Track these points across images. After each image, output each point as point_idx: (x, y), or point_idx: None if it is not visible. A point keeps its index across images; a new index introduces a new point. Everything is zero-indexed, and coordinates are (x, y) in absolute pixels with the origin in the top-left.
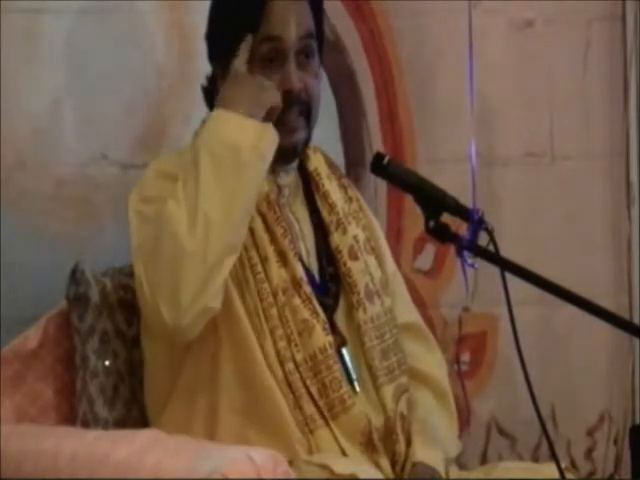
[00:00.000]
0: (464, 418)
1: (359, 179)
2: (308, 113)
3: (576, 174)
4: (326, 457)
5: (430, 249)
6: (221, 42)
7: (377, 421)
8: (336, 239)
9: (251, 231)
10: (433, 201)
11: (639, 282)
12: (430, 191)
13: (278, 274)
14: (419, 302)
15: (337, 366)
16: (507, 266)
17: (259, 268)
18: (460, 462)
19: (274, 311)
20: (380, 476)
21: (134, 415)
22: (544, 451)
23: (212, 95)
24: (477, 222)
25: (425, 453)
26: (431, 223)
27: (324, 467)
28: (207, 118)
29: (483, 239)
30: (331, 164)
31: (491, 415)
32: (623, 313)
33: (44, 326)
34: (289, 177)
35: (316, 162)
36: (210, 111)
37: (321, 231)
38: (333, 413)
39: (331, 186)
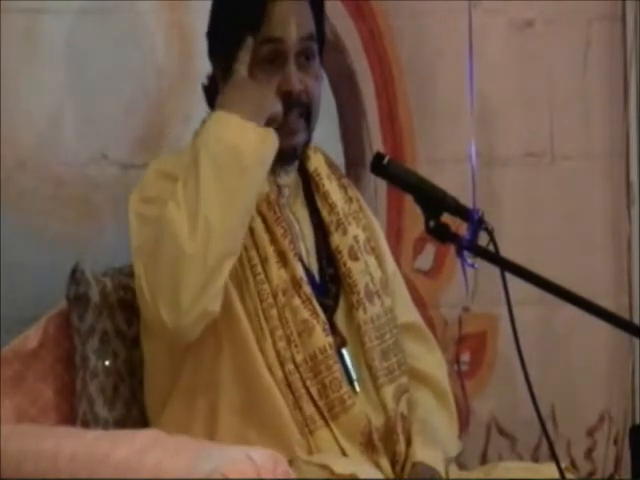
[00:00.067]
0: (464, 418)
1: (359, 179)
2: (308, 115)
3: (576, 174)
4: (326, 457)
5: (430, 249)
6: (221, 41)
7: (377, 421)
8: (336, 239)
9: (251, 231)
10: (433, 201)
11: (639, 282)
12: (430, 191)
13: (278, 274)
14: (419, 302)
15: (337, 366)
16: (507, 266)
17: (259, 269)
18: (460, 462)
19: (274, 312)
20: (380, 476)
21: (134, 415)
22: (544, 451)
23: (213, 94)
24: (477, 222)
25: (425, 453)
26: (431, 223)
27: (324, 467)
28: (207, 118)
29: (483, 239)
30: (331, 164)
31: (491, 415)
32: (623, 313)
33: (44, 326)
34: (289, 177)
35: (316, 162)
36: (211, 110)
37: (321, 231)
38: (333, 413)
39: (331, 186)
